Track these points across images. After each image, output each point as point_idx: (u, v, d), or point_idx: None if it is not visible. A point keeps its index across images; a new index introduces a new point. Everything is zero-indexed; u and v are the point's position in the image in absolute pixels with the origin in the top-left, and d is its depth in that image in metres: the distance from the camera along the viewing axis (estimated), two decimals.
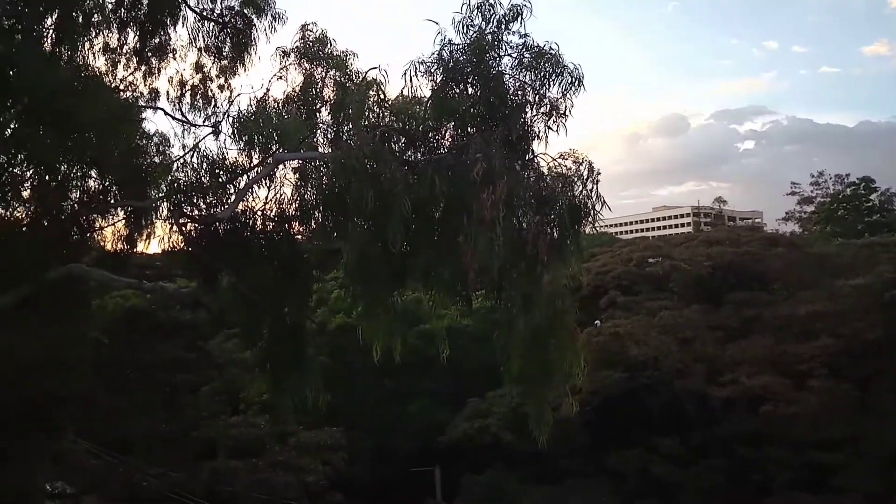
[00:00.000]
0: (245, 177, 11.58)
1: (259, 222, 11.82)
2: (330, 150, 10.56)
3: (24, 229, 11.78)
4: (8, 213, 12.46)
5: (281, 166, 11.38)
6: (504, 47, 8.97)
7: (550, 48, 8.85)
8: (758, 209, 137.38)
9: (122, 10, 12.29)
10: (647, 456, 32.71)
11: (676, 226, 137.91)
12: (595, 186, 8.85)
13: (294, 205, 11.64)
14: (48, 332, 14.83)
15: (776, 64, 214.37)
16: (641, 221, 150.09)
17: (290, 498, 26.85)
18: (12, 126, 11.37)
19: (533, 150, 9.27)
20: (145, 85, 13.36)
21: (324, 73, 11.77)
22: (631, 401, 36.09)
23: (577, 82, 8.82)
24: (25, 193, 12.65)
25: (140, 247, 13.83)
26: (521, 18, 8.87)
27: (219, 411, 34.18)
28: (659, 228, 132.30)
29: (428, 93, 9.34)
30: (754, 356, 31.83)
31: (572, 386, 12.25)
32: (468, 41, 8.93)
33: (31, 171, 12.12)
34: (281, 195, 11.72)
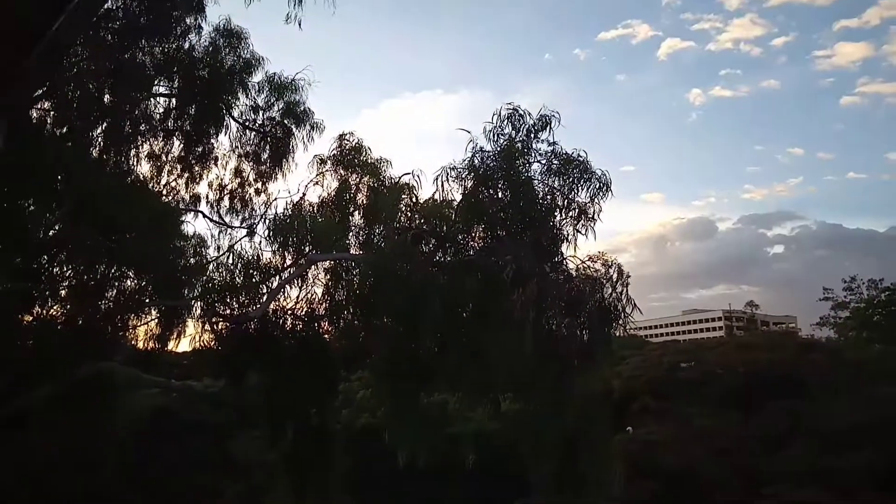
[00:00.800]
0: (278, 277, 11.78)
1: (289, 321, 11.92)
2: (362, 252, 10.76)
3: (58, 327, 11.99)
4: (44, 311, 12.73)
5: (313, 267, 11.58)
6: (533, 154, 9.26)
7: (578, 155, 9.12)
8: (790, 313, 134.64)
9: (170, 120, 12.99)
10: None
11: (707, 329, 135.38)
12: (625, 289, 8.85)
13: (324, 304, 11.76)
14: (76, 430, 14.78)
15: (802, 170, 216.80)
16: (672, 325, 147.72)
17: None
18: (56, 227, 11.81)
19: (562, 253, 9.37)
20: (187, 191, 13.89)
21: (358, 179, 12.17)
22: None
23: (604, 188, 9.01)
24: (63, 292, 12.97)
25: (171, 345, 13.97)
26: (550, 128, 9.21)
27: None
28: (690, 332, 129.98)
29: (459, 197, 9.59)
30: (795, 468, 30.31)
31: (605, 495, 11.76)
32: (498, 148, 9.25)
33: (70, 271, 12.48)
34: (312, 295, 11.87)
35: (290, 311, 11.92)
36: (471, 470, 39.34)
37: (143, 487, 21.13)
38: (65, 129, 11.57)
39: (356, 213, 12.03)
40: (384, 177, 12.05)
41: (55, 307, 12.85)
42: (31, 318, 12.36)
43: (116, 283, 12.35)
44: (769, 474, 30.90)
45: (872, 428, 30.44)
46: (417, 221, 10.51)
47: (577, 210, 9.13)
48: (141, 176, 13.14)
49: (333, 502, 11.71)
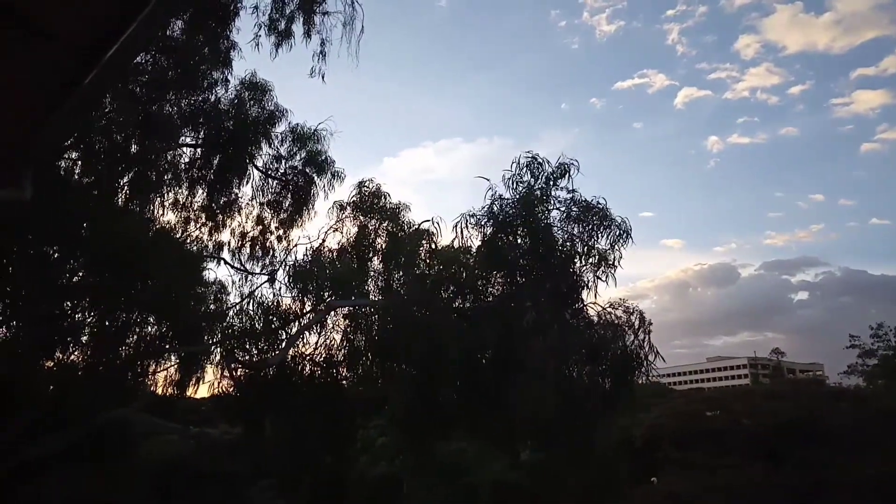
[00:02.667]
0: (297, 323, 11.78)
1: (307, 367, 11.88)
2: (381, 298, 10.75)
3: (78, 373, 12.02)
4: (64, 357, 12.80)
5: (332, 313, 11.58)
6: (552, 201, 9.29)
7: (598, 202, 9.14)
8: (816, 361, 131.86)
9: (194, 169, 13.23)
10: None
11: (732, 377, 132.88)
12: (647, 336, 8.76)
13: (343, 350, 11.71)
14: (92, 478, 14.69)
15: (824, 216, 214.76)
16: (695, 372, 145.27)
17: None
18: (79, 274, 11.95)
19: (582, 299, 9.30)
20: (210, 238, 14.05)
21: (377, 224, 12.25)
22: None
23: (625, 234, 8.99)
24: (84, 338, 13.05)
25: (189, 391, 13.94)
26: (569, 175, 9.25)
27: None
28: (714, 379, 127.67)
29: (478, 243, 9.60)
30: None
31: None
32: (518, 196, 9.29)
33: (91, 317, 12.57)
34: (330, 341, 11.84)
35: (308, 357, 11.89)
36: None
37: None
38: (91, 179, 11.80)
39: (375, 258, 12.07)
40: (403, 222, 12.12)
41: (75, 353, 12.93)
42: (51, 363, 12.43)
43: (137, 329, 12.42)
44: None
45: None
46: (436, 268, 10.52)
47: (597, 256, 9.10)
48: (165, 224, 13.33)
49: None
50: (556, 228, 9.31)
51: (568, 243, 9.25)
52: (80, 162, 11.63)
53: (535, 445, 9.81)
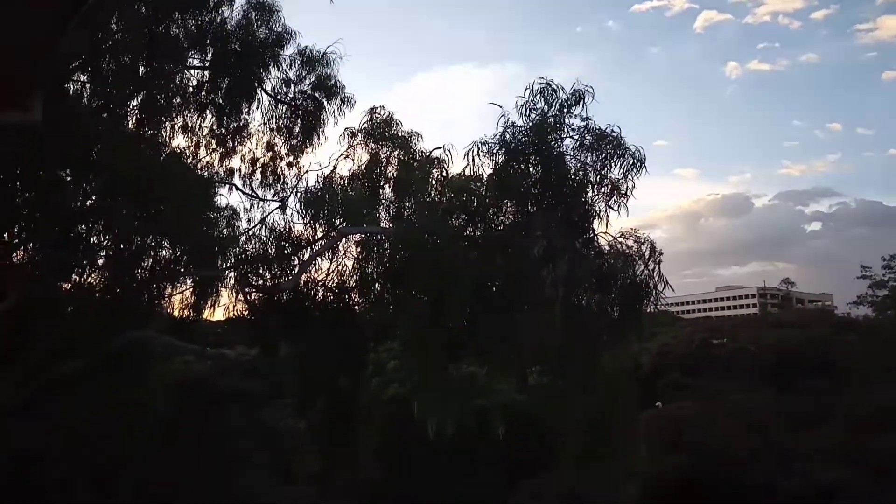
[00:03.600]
0: (309, 249, 11.89)
1: (320, 293, 12.05)
2: (392, 226, 10.79)
3: (96, 296, 12.28)
4: (82, 280, 13.05)
5: (344, 240, 11.66)
6: (566, 129, 9.14)
7: (612, 130, 8.99)
8: (827, 292, 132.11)
9: (203, 93, 13.06)
10: None
11: (741, 307, 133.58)
12: (657, 266, 8.77)
13: (354, 277, 11.85)
14: (113, 397, 15.22)
15: (841, 146, 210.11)
16: (704, 301, 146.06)
17: None
18: (93, 198, 12.04)
19: (593, 229, 9.28)
20: (221, 165, 14.01)
21: (388, 153, 12.16)
22: (694, 488, 34.30)
23: (638, 164, 8.87)
24: (100, 261, 13.27)
25: (205, 314, 14.24)
26: (583, 102, 9.07)
27: (271, 481, 34.02)
28: (723, 309, 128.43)
29: (489, 172, 9.54)
30: (828, 447, 30.01)
31: (632, 470, 11.77)
32: (530, 123, 9.14)
33: (107, 241, 12.74)
34: (342, 267, 11.97)
35: (321, 283, 12.05)
36: (497, 441, 39.67)
37: (177, 454, 21.73)
38: (101, 102, 11.71)
39: (386, 186, 12.05)
40: (415, 150, 12.03)
41: (92, 276, 13.17)
42: (69, 286, 12.69)
43: (152, 253, 12.59)
44: (799, 453, 30.68)
45: None
46: (448, 196, 10.49)
47: (609, 186, 9.02)
48: (176, 149, 13.30)
49: (361, 469, 11.91)
50: (568, 157, 9.19)
51: (580, 172, 9.16)
52: (88, 85, 11.53)
53: (543, 371, 9.98)
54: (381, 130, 12.30)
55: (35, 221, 11.57)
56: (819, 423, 33.20)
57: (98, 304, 11.20)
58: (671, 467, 32.92)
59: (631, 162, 8.85)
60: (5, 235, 12.18)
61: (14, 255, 12.32)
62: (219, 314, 14.34)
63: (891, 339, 39.91)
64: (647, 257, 8.74)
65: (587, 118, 9.06)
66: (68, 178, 11.42)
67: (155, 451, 19.60)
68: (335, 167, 12.43)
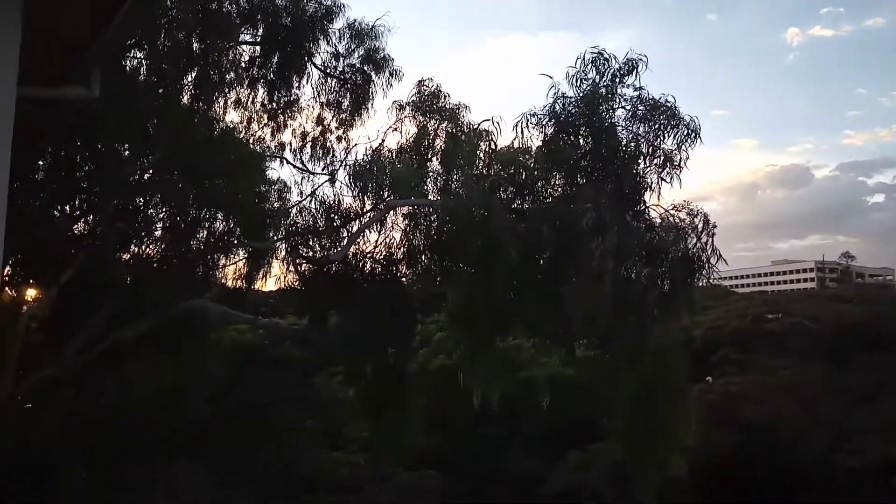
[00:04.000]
0: (358, 221, 12.01)
1: (368, 264, 12.19)
2: (440, 198, 10.79)
3: (154, 266, 12.68)
4: (140, 251, 13.48)
5: (392, 212, 11.73)
6: (618, 100, 8.95)
7: (666, 100, 8.76)
8: (889, 266, 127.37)
9: (254, 68, 13.22)
10: None
11: (798, 281, 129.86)
12: (710, 239, 8.58)
13: (402, 249, 11.94)
14: (170, 363, 15.76)
15: None
16: (759, 275, 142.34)
17: None
18: (150, 172, 12.38)
19: (644, 202, 9.12)
20: (272, 139, 14.26)
21: (436, 125, 12.13)
22: (745, 464, 33.86)
23: (693, 134, 8.65)
24: (157, 233, 13.68)
25: (257, 285, 14.59)
26: (636, 72, 8.85)
27: (320, 447, 34.92)
28: (778, 283, 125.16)
29: (539, 143, 9.43)
30: (886, 423, 29.20)
31: (681, 445, 11.69)
32: (581, 94, 8.98)
33: (163, 213, 13.11)
34: (390, 240, 12.06)
35: (369, 255, 12.17)
36: (543, 413, 39.77)
37: (231, 419, 22.45)
38: (156, 78, 11.96)
39: (434, 159, 12.05)
40: (462, 123, 11.97)
41: (150, 247, 13.60)
42: (128, 256, 13.13)
43: (206, 225, 12.92)
44: (855, 429, 29.93)
45: None
46: (495, 168, 10.43)
47: (662, 157, 8.82)
48: (229, 123, 13.54)
49: (408, 437, 12.12)
50: (620, 128, 9.01)
51: (632, 143, 8.96)
52: (144, 62, 11.78)
53: (591, 344, 9.92)
54: (428, 103, 12.26)
55: (95, 194, 11.95)
56: (877, 398, 32.29)
57: (156, 275, 11.55)
58: (721, 443, 32.56)
59: (685, 132, 8.62)
60: (67, 208, 12.63)
61: (75, 226, 12.79)
62: (270, 285, 14.69)
63: None
64: (699, 230, 8.55)
65: (640, 88, 8.86)
66: (126, 153, 11.74)
67: (211, 416, 20.29)
68: (383, 140, 12.48)
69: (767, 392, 32.57)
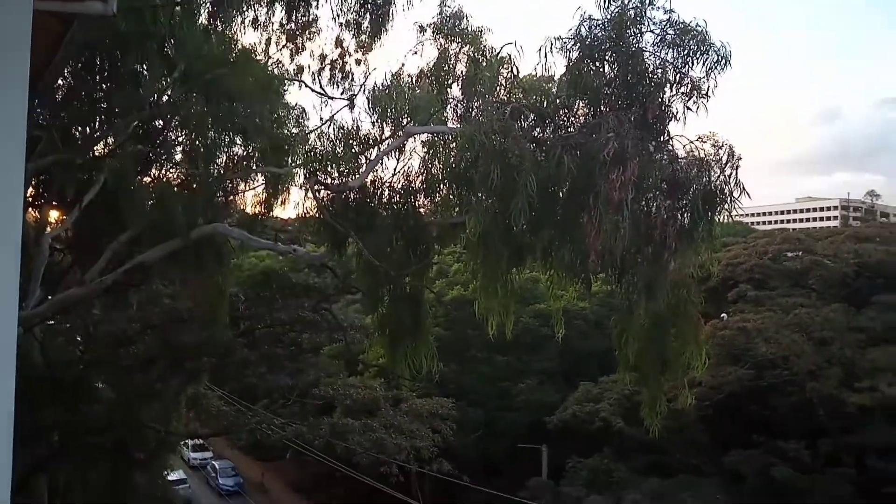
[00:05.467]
0: (376, 148, 11.91)
1: (386, 193, 12.16)
2: (459, 126, 10.63)
3: (174, 189, 12.76)
4: (161, 174, 13.54)
5: (411, 140, 11.61)
6: (646, 23, 8.63)
7: (697, 25, 8.43)
8: None
9: None
10: (769, 458, 31.09)
11: (821, 219, 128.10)
12: (734, 172, 8.40)
13: (420, 177, 11.86)
14: (191, 286, 16.05)
15: None
16: (782, 212, 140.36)
17: (400, 460, 27.81)
18: (168, 94, 12.29)
19: (668, 132, 8.91)
20: (291, 62, 14.04)
21: (458, 49, 11.83)
22: (755, 400, 34.30)
23: (723, 61, 8.36)
24: (177, 157, 13.69)
25: (276, 211, 14.66)
26: None
27: (338, 371, 35.86)
28: (801, 221, 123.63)
29: (562, 70, 9.18)
30: None
31: (691, 378, 11.81)
32: (609, 16, 8.67)
33: (183, 136, 13.09)
34: (409, 168, 11.98)
35: (387, 184, 12.13)
36: (557, 345, 40.37)
37: (250, 342, 22.99)
38: None
39: (454, 84, 11.81)
40: (484, 47, 11.65)
41: (171, 170, 13.65)
42: (149, 180, 13.19)
43: (225, 149, 12.90)
44: (868, 368, 30.10)
45: None
46: (517, 95, 10.21)
47: (689, 85, 8.56)
48: (247, 46, 13.32)
49: (424, 364, 12.36)
50: (647, 53, 8.72)
51: (659, 70, 8.69)
52: None
53: (607, 278, 9.92)
54: (449, 25, 11.93)
55: (115, 115, 11.92)
56: (892, 339, 32.30)
57: (176, 198, 11.62)
58: (732, 378, 32.96)
59: (715, 59, 8.33)
60: (87, 128, 12.63)
61: (95, 148, 12.83)
62: (289, 212, 14.75)
63: None
64: (724, 163, 8.37)
65: (670, 10, 8.52)
66: (145, 73, 11.63)
67: (231, 339, 20.77)
68: (403, 64, 12.23)
69: (781, 330, 32.68)
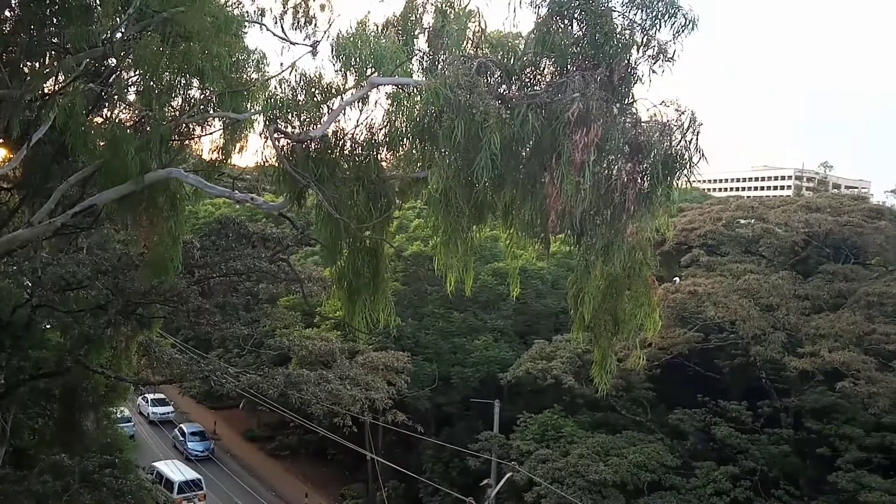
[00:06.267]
0: (339, 98, 11.64)
1: (348, 145, 11.95)
2: (425, 79, 10.46)
3: (127, 131, 12.33)
4: (114, 114, 13.06)
5: (374, 91, 11.38)
6: None
7: None
8: (867, 178, 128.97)
9: None
10: (711, 418, 32.38)
11: (776, 188, 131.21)
12: (695, 138, 8.47)
13: (384, 130, 11.67)
14: (144, 231, 15.67)
15: None
16: (737, 180, 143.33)
17: (355, 412, 28.09)
18: (122, 31, 11.78)
19: (633, 95, 8.92)
20: (253, 2, 13.51)
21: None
22: (701, 361, 35.51)
23: (690, 24, 8.35)
24: (131, 97, 13.20)
25: (234, 159, 14.31)
26: None
27: (294, 323, 35.75)
28: (756, 189, 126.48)
29: (531, 27, 9.06)
30: (840, 330, 30.56)
31: (642, 339, 12.09)
32: None
33: (137, 76, 12.59)
34: (372, 120, 11.76)
35: (349, 135, 11.91)
36: (514, 304, 40.94)
37: (205, 290, 22.71)
38: None
39: (421, 36, 11.57)
40: (453, 0, 11.41)
41: (124, 111, 13.17)
42: (101, 119, 12.72)
43: (181, 92, 12.46)
44: (812, 335, 31.32)
45: None
46: (484, 51, 10.06)
47: (656, 48, 8.55)
48: None
49: (381, 317, 12.40)
50: (615, 14, 8.66)
51: (627, 31, 8.66)
52: None
53: (566, 238, 10.01)
54: None
55: (65, 51, 11.42)
56: (835, 307, 33.60)
57: (129, 139, 11.23)
58: (681, 340, 33.97)
59: (682, 22, 8.33)
60: (36, 64, 12.08)
61: (45, 85, 12.29)
62: (248, 160, 14.41)
63: None
64: (685, 128, 8.43)
65: None
66: (98, 7, 11.12)
67: (185, 286, 20.48)
68: (369, 12, 11.90)
69: (730, 295, 33.66)
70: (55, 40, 11.95)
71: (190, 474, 41.32)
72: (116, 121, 12.51)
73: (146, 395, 53.21)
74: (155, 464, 40.91)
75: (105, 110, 13.32)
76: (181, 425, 51.91)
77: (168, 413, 53.90)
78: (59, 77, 12.43)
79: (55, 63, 11.99)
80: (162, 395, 54.45)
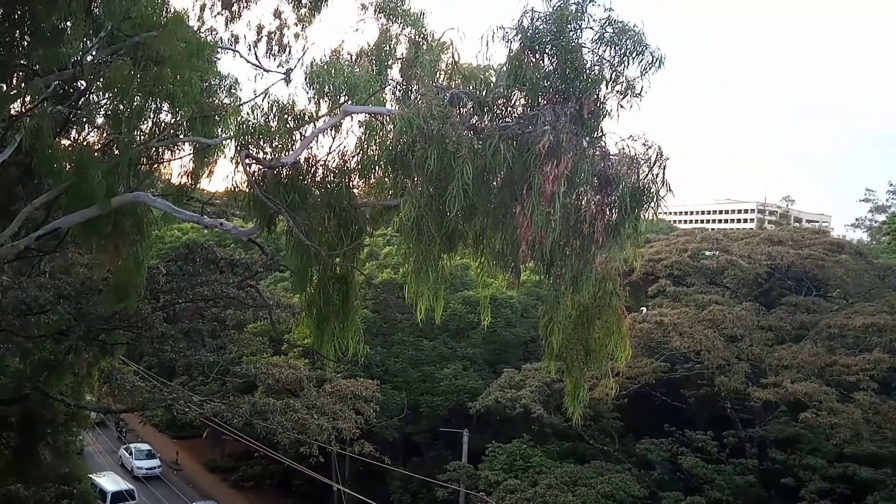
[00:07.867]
0: (312, 125, 11.68)
1: (321, 171, 11.95)
2: (398, 108, 10.56)
3: (95, 154, 12.18)
4: (82, 137, 12.90)
5: (347, 119, 11.44)
6: (587, 20, 8.79)
7: (634, 25, 8.65)
8: (827, 213, 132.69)
9: None
10: (678, 447, 32.53)
11: (739, 220, 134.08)
12: (661, 172, 8.67)
13: (356, 158, 11.72)
14: (108, 255, 15.40)
15: None
16: (702, 212, 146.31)
17: (322, 441, 27.64)
18: (93, 54, 11.71)
19: (602, 129, 9.12)
20: (226, 30, 13.60)
21: (399, 30, 11.72)
22: (668, 391, 35.78)
23: (657, 62, 8.60)
24: (100, 120, 13.07)
25: (203, 183, 14.21)
26: None
27: (262, 350, 35.22)
28: (720, 221, 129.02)
29: (503, 60, 9.24)
30: (802, 361, 31.10)
31: (612, 368, 12.18)
32: (551, 10, 8.78)
33: (106, 99, 12.48)
34: (344, 147, 11.80)
35: (321, 162, 11.92)
36: (484, 332, 40.94)
37: (170, 316, 22.32)
38: None
39: (394, 66, 11.71)
40: (425, 30, 11.58)
41: (92, 134, 13.02)
42: (68, 142, 12.56)
43: (151, 116, 12.38)
44: (775, 366, 31.80)
45: (885, 331, 30.79)
46: (456, 82, 10.21)
47: (624, 84, 8.78)
48: (179, 9, 12.81)
49: (351, 345, 12.30)
50: (586, 50, 8.88)
51: (596, 67, 8.88)
52: None
53: (536, 267, 10.10)
54: (391, 5, 11.79)
55: (34, 73, 11.29)
56: (798, 338, 34.22)
57: (96, 163, 11.10)
58: (648, 370, 34.22)
59: (650, 60, 8.57)
60: (3, 85, 11.92)
61: (11, 106, 12.12)
62: (218, 185, 14.32)
63: (879, 265, 40.46)
64: (652, 162, 8.63)
65: (610, 9, 8.72)
66: (69, 30, 11.04)
67: (149, 312, 20.11)
68: (343, 41, 12.02)
69: (696, 325, 34.11)
70: (23, 62, 11.81)
71: (124, 485, 42.05)
72: (84, 144, 12.37)
73: (129, 446, 49.34)
74: (91, 475, 39.77)
75: (73, 133, 13.17)
76: (129, 444, 50.48)
77: (155, 468, 48.61)
78: (27, 98, 12.28)
79: (23, 84, 11.85)
80: (148, 446, 49.88)
